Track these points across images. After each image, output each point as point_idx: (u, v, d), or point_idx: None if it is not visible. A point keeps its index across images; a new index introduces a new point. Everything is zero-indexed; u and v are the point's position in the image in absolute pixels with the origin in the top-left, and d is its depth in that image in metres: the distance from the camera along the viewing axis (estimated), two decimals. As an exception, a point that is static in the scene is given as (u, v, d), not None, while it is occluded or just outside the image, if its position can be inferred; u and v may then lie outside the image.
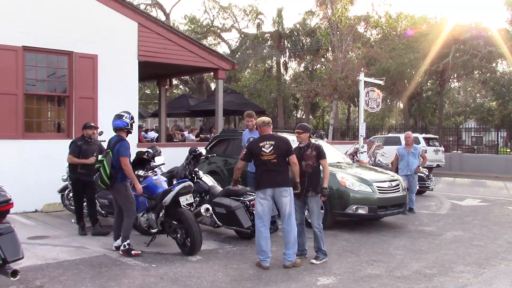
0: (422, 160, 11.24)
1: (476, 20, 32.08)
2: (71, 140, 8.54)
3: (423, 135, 22.99)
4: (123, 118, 6.95)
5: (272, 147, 6.33)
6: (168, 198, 6.93)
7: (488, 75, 34.39)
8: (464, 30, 30.31)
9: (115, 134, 6.99)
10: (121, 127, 6.92)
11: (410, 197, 10.46)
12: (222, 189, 8.16)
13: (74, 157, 8.04)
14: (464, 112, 46.30)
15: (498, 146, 27.21)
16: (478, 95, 45.43)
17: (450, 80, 36.44)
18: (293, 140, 6.90)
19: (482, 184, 18.75)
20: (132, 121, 7.05)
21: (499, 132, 28.08)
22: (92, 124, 8.45)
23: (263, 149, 6.34)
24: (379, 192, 8.79)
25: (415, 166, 11.00)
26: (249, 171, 8.71)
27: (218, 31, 39.43)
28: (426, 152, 14.37)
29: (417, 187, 12.99)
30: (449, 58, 29.73)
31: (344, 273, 6.12)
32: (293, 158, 6.41)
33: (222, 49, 41.16)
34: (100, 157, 7.12)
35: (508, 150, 31.10)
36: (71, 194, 8.86)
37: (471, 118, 44.94)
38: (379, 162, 13.89)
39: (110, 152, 6.77)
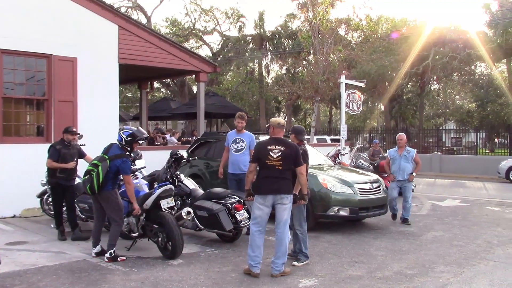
0: (416, 165, 9.96)
1: (455, 23, 32.36)
2: (50, 144, 8.41)
3: (331, 136, 23.14)
4: (121, 131, 6.86)
5: (280, 153, 6.03)
6: (149, 202, 6.88)
7: (467, 77, 34.86)
8: (443, 33, 30.70)
9: (117, 144, 6.85)
10: (118, 141, 6.83)
11: (405, 206, 9.80)
12: (203, 192, 8.13)
13: (53, 162, 7.92)
14: (444, 113, 46.90)
15: (477, 147, 27.61)
16: (457, 97, 46.08)
17: (430, 82, 36.84)
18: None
19: (462, 184, 19.00)
20: (129, 138, 6.79)
21: (478, 134, 28.47)
22: (74, 129, 8.33)
23: (270, 153, 6.04)
24: (361, 194, 8.85)
25: (408, 171, 9.83)
26: (229, 173, 8.71)
27: (200, 34, 39.35)
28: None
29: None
30: (429, 61, 30.07)
31: (326, 275, 6.13)
32: (301, 169, 6.13)
33: (204, 52, 41.18)
34: (94, 160, 6.83)
35: (487, 151, 31.59)
36: (50, 199, 8.73)
37: (451, 119, 45.57)
38: (360, 164, 13.98)
39: (108, 161, 6.60)
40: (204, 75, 14.43)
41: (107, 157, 6.63)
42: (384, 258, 7.02)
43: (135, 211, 6.71)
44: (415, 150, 10.20)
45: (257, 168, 6.19)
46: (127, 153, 6.83)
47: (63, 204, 8.17)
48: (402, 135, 10.27)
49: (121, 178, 7.12)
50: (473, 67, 35.25)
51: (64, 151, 7.98)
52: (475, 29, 30.59)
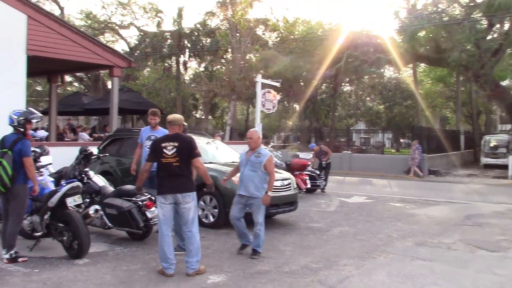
0: (269, 176, 7.04)
1: (367, 28, 33.82)
2: None
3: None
4: (11, 114, 6.50)
5: (175, 149, 5.92)
6: (54, 199, 6.63)
7: (376, 80, 36.60)
8: (356, 37, 31.99)
9: (12, 132, 6.50)
10: (10, 124, 6.47)
11: (254, 232, 7.05)
12: (114, 189, 7.97)
13: None
14: (355, 114, 48.90)
15: (384, 146, 29.12)
16: (368, 98, 48.18)
17: (343, 84, 38.31)
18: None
19: (369, 182, 19.97)
20: (21, 118, 6.44)
21: (385, 134, 30.01)
22: None
23: (165, 150, 5.92)
24: (272, 191, 9.03)
25: (258, 185, 6.95)
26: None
27: (116, 27, 38.24)
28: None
29: (309, 186, 13.63)
30: (341, 63, 31.20)
31: (234, 271, 6.24)
32: (196, 162, 6.04)
33: (121, 46, 40.16)
34: None
35: (393, 150, 33.39)
36: None
37: (361, 120, 47.68)
38: (274, 161, 14.26)
39: (9, 151, 6.24)
40: (118, 70, 14.11)
41: (6, 149, 6.28)
42: (292, 253, 7.26)
43: (35, 192, 6.44)
44: (269, 154, 7.10)
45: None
46: (23, 135, 6.49)
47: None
48: (252, 132, 7.16)
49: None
50: (382, 70, 37.06)
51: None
52: (387, 34, 32.14)
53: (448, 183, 20.30)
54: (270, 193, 6.98)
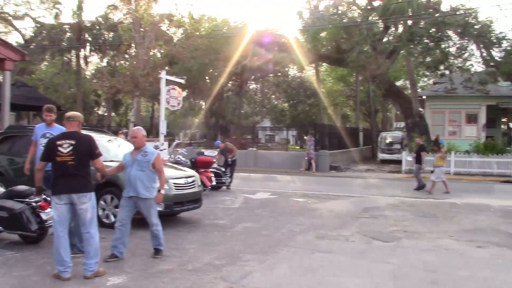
0: (160, 175, 6.80)
1: (272, 27, 34.59)
2: None
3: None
4: None
5: (71, 147, 5.68)
6: None
7: (281, 78, 37.43)
8: (261, 36, 32.49)
9: None
10: None
11: (152, 232, 6.98)
12: (5, 190, 7.45)
13: None
14: (261, 112, 49.72)
15: (289, 143, 29.89)
16: (273, 96, 49.19)
17: (249, 82, 38.76)
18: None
19: (273, 178, 20.40)
20: None
21: (290, 131, 30.80)
22: None
23: (60, 148, 5.67)
24: (176, 189, 8.96)
25: (147, 185, 6.69)
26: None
27: (10, 18, 35.77)
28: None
29: (214, 183, 13.66)
30: (247, 61, 31.55)
31: (136, 271, 6.08)
32: (97, 163, 5.90)
33: (15, 38, 37.66)
34: None
35: (297, 147, 34.36)
36: None
37: (267, 118, 48.57)
38: (178, 159, 14.13)
39: None
40: (10, 63, 13.24)
41: None
42: (196, 251, 7.22)
43: None
44: (157, 152, 6.97)
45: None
46: None
47: None
48: (136, 131, 6.92)
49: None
50: (286, 69, 37.99)
51: None
52: (291, 34, 32.94)
53: (348, 178, 21.26)
54: (163, 191, 6.81)
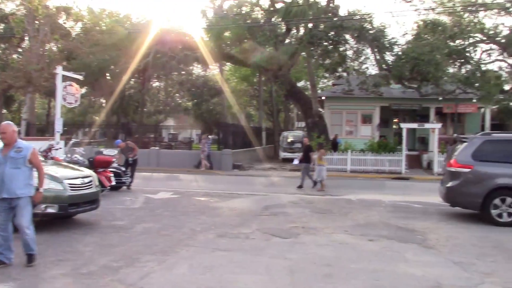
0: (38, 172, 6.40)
1: (175, 25, 34.02)
2: None
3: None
4: None
5: None
6: None
7: (185, 76, 37.13)
8: (165, 33, 32.00)
9: None
10: None
11: (22, 238, 6.29)
12: None
13: None
14: (164, 110, 49.03)
15: (193, 142, 29.73)
16: (177, 95, 48.70)
17: (152, 80, 38.06)
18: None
19: (176, 178, 20.19)
20: None
21: (194, 130, 30.67)
22: None
23: None
24: (71, 189, 8.56)
25: (26, 184, 6.25)
26: None
27: None
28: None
29: (114, 183, 13.23)
30: (149, 58, 30.96)
31: (25, 277, 5.75)
32: None
33: None
34: None
35: (201, 146, 34.19)
36: None
37: (170, 116, 47.93)
38: (75, 158, 13.52)
39: None
40: None
41: None
42: (92, 254, 6.96)
43: None
44: (32, 146, 6.39)
45: None
46: None
47: None
48: (4, 126, 6.31)
49: None
50: (190, 68, 37.74)
51: None
52: (196, 32, 32.73)
53: (251, 176, 21.57)
54: (42, 190, 6.40)
